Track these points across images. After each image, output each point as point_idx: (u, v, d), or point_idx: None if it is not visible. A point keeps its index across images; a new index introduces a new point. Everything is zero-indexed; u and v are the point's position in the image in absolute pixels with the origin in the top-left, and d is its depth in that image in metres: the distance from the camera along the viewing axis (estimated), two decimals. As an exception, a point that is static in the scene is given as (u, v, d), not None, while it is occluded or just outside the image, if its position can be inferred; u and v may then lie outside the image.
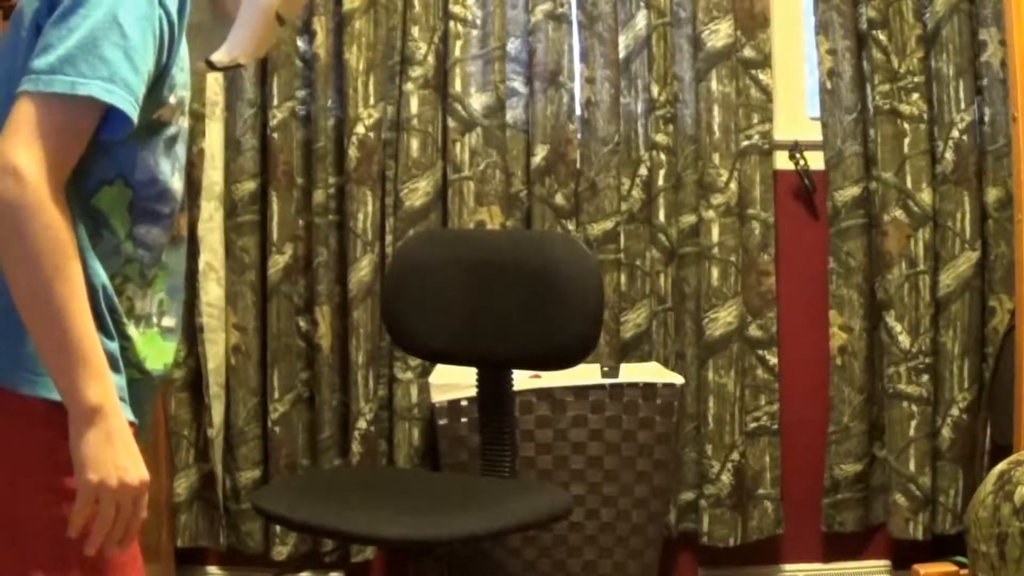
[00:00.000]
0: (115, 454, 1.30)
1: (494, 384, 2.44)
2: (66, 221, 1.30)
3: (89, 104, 1.31)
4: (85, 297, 1.30)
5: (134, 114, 1.33)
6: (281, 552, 3.00)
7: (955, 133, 3.02)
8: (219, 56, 1.58)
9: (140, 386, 1.45)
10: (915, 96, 3.03)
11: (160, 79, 1.39)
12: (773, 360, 3.07)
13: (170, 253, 1.50)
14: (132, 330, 1.42)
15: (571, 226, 3.01)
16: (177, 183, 1.48)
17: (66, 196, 1.32)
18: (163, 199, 1.45)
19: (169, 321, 1.50)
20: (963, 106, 3.02)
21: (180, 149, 1.49)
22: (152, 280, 1.46)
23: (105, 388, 1.30)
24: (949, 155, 3.03)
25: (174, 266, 1.52)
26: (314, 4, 2.92)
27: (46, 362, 1.31)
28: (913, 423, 3.03)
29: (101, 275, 1.38)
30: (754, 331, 3.06)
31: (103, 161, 1.38)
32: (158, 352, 1.48)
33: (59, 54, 1.29)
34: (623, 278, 3.03)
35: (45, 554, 1.37)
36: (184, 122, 1.49)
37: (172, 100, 1.42)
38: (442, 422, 2.77)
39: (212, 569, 3.12)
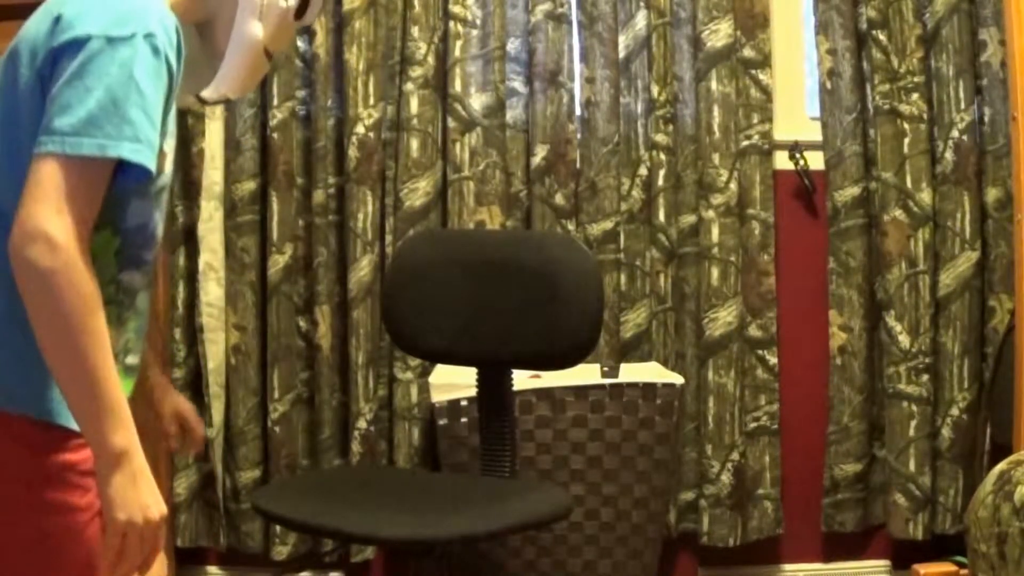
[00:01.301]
0: (139, 494, 1.39)
1: (494, 384, 2.44)
2: (92, 277, 1.36)
3: (114, 163, 1.38)
4: (109, 349, 1.37)
5: (154, 168, 1.41)
6: (281, 552, 3.00)
7: (955, 133, 3.02)
8: (208, 92, 1.63)
9: None
10: (915, 96, 3.03)
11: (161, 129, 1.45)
12: (773, 360, 3.07)
13: (143, 296, 1.57)
14: None
15: (571, 226, 3.01)
16: (161, 230, 1.56)
17: None
18: (148, 245, 1.53)
19: (133, 360, 1.57)
20: (963, 106, 3.02)
21: (165, 196, 1.56)
22: (125, 321, 1.53)
23: (128, 433, 1.38)
24: (949, 155, 3.03)
25: (143, 308, 1.58)
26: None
27: (73, 410, 1.38)
28: (913, 423, 3.03)
29: None
30: (754, 331, 3.06)
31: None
32: None
33: (81, 116, 1.35)
34: (623, 278, 3.03)
35: (33, 567, 1.43)
36: (170, 170, 1.55)
37: (166, 148, 1.49)
38: (442, 422, 2.77)
39: (212, 569, 3.12)
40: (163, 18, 1.44)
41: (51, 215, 1.33)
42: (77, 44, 1.37)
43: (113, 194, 1.42)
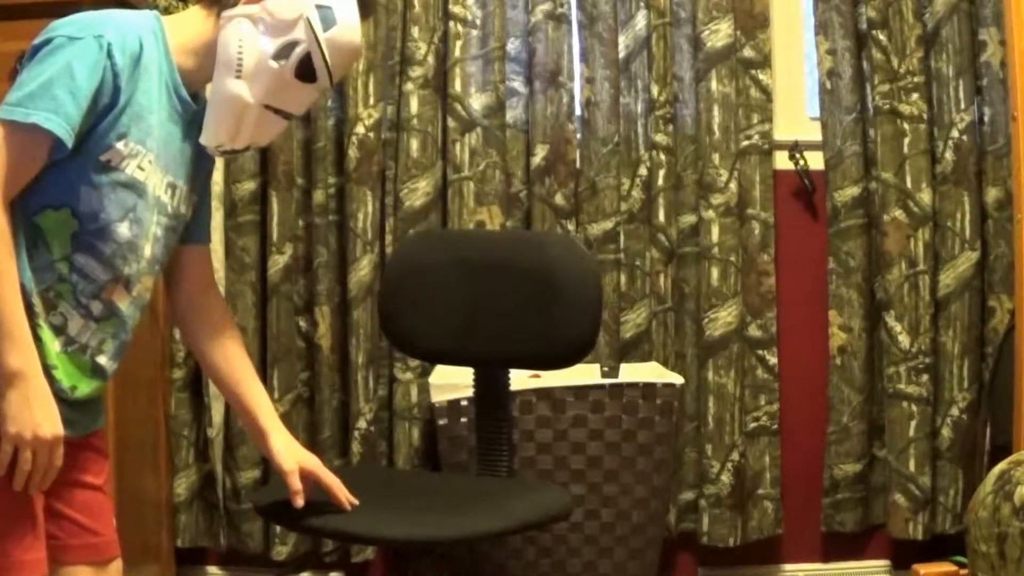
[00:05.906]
0: (31, 412, 1.56)
1: (491, 384, 2.44)
2: (6, 222, 1.56)
3: (38, 131, 1.57)
4: (15, 286, 1.56)
5: (68, 139, 1.59)
6: (281, 552, 3.00)
7: (955, 133, 3.02)
8: (202, 139, 1.76)
9: None
10: (915, 96, 3.03)
11: (107, 123, 1.63)
12: (773, 360, 3.07)
13: (128, 306, 1.73)
14: (46, 335, 1.64)
15: (571, 226, 3.01)
16: (124, 230, 1.68)
17: (12, 210, 1.58)
18: (104, 238, 1.67)
19: (103, 359, 1.72)
20: (963, 106, 3.02)
21: (139, 205, 1.69)
22: (99, 319, 1.69)
23: (26, 357, 1.57)
24: (949, 155, 3.03)
25: (127, 317, 1.74)
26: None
27: None
28: (913, 423, 3.03)
29: (27, 282, 1.62)
30: (754, 331, 3.06)
31: (50, 188, 1.63)
32: (73, 374, 1.68)
33: (25, 91, 1.59)
34: (623, 278, 3.03)
35: None
36: (147, 180, 1.68)
37: (121, 147, 1.65)
38: (442, 422, 2.77)
39: (212, 569, 3.12)
40: (124, 28, 1.65)
41: None
42: (48, 41, 1.62)
43: (51, 171, 1.62)
